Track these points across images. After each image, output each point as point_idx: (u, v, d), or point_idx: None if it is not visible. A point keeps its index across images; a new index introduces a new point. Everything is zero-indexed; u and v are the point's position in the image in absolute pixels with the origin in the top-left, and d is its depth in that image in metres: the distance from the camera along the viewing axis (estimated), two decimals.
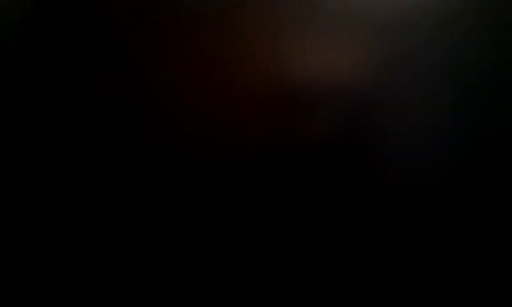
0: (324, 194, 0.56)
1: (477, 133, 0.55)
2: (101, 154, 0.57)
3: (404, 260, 0.56)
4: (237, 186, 0.56)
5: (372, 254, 0.56)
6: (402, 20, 0.55)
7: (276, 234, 0.56)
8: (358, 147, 0.55)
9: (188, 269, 0.57)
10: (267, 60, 0.55)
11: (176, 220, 0.57)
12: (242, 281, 0.57)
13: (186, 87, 0.56)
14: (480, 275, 0.56)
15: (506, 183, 0.55)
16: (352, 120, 0.55)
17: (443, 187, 0.55)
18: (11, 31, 0.58)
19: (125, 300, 0.58)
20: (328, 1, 0.55)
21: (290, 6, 0.55)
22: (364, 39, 0.55)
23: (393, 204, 0.56)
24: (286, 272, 0.57)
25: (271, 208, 0.56)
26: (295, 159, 0.56)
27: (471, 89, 0.55)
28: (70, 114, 0.57)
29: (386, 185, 0.55)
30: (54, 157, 0.58)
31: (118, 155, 0.57)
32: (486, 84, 0.55)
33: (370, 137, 0.55)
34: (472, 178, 0.55)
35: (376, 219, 0.56)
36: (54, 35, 0.57)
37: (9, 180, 0.58)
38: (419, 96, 0.55)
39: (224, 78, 0.56)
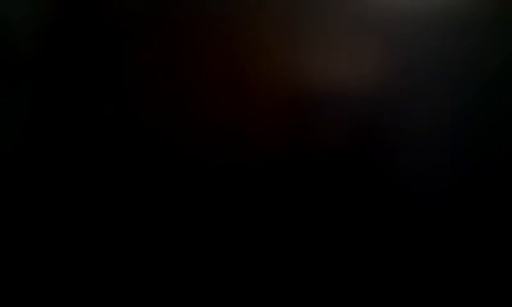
0: (334, 198, 0.56)
1: (490, 138, 0.55)
2: (109, 156, 0.57)
3: (415, 264, 0.56)
4: (247, 190, 0.56)
5: (381, 257, 0.56)
6: (411, 25, 0.56)
7: (287, 237, 0.56)
8: (370, 152, 0.56)
9: (193, 271, 0.57)
10: (278, 64, 0.56)
11: (186, 222, 0.57)
12: (247, 282, 0.57)
13: (196, 90, 0.56)
14: (485, 276, 0.56)
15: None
16: (364, 125, 0.55)
17: (453, 191, 0.55)
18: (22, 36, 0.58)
19: (125, 301, 0.57)
20: (340, 6, 0.55)
21: (303, 10, 0.56)
22: (375, 44, 0.55)
23: (403, 209, 0.56)
24: (295, 274, 0.57)
25: (282, 212, 0.56)
26: (305, 164, 0.56)
27: (482, 92, 0.55)
28: (76, 116, 0.57)
29: (398, 191, 0.55)
30: (58, 157, 0.57)
31: (122, 158, 0.57)
32: (496, 86, 0.55)
33: (381, 141, 0.55)
34: (482, 182, 0.55)
35: (387, 223, 0.56)
36: (60, 38, 0.57)
37: (13, 180, 0.58)
38: (432, 100, 0.55)
39: (234, 81, 0.56)
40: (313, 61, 0.56)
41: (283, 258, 0.57)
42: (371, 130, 0.56)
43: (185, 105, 0.57)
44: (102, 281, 0.57)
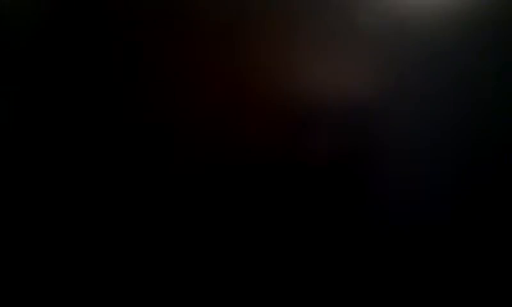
0: (323, 209, 0.56)
1: (489, 148, 0.55)
2: (102, 154, 0.57)
3: (413, 271, 0.56)
4: (237, 198, 0.56)
5: (378, 263, 0.56)
6: (407, 33, 0.55)
7: (276, 246, 0.56)
8: (363, 163, 0.55)
9: (184, 271, 0.57)
10: (272, 72, 0.55)
11: (172, 228, 0.57)
12: (239, 283, 0.57)
13: (187, 94, 0.56)
14: (483, 282, 0.56)
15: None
16: (357, 136, 0.55)
17: (452, 200, 0.55)
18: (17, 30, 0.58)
19: (125, 301, 0.58)
20: (334, 16, 0.55)
21: (297, 18, 0.55)
22: (370, 54, 0.55)
23: (397, 221, 0.55)
24: (282, 284, 0.57)
25: (272, 222, 0.56)
26: (296, 174, 0.56)
27: (482, 100, 0.54)
28: (74, 114, 0.57)
29: (392, 204, 0.55)
30: (56, 156, 0.58)
31: (115, 156, 0.57)
32: (495, 92, 0.55)
33: (376, 152, 0.55)
34: (481, 193, 0.55)
35: (382, 232, 0.56)
36: (57, 34, 0.58)
37: (13, 180, 0.58)
38: (429, 111, 0.55)
39: (227, 89, 0.56)
40: (307, 71, 0.55)
41: (274, 263, 0.57)
42: (368, 139, 0.55)
43: (179, 108, 0.56)
44: (100, 281, 0.58)
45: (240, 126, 0.56)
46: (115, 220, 0.58)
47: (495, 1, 0.55)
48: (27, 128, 0.58)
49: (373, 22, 0.55)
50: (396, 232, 0.55)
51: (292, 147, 0.55)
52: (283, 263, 0.56)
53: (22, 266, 0.59)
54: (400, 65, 0.55)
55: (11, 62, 0.58)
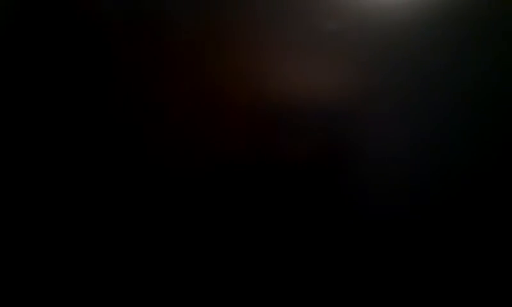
0: (303, 211, 0.56)
1: (484, 151, 0.54)
2: (96, 156, 0.58)
3: (402, 270, 0.56)
4: (219, 198, 0.56)
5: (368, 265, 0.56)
6: (393, 33, 0.54)
7: (259, 246, 0.57)
8: (345, 162, 0.55)
9: (177, 270, 0.58)
10: (253, 73, 0.55)
11: (158, 230, 0.57)
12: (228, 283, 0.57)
13: (169, 97, 0.57)
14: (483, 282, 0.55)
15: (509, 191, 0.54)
16: (338, 136, 0.55)
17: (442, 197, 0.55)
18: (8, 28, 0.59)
19: (125, 301, 0.58)
20: (315, 17, 0.55)
21: (279, 21, 0.55)
22: (352, 55, 0.54)
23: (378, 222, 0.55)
24: (270, 285, 0.57)
25: (253, 222, 0.56)
26: (276, 175, 0.56)
27: (474, 100, 0.54)
28: (69, 115, 0.58)
29: (378, 203, 0.55)
30: (52, 157, 0.58)
31: (109, 160, 0.57)
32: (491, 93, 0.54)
33: (359, 151, 0.55)
34: (476, 192, 0.54)
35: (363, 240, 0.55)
36: (53, 35, 0.58)
37: (11, 180, 0.59)
38: (415, 104, 0.54)
39: (209, 90, 0.56)
40: (288, 73, 0.55)
41: (259, 270, 0.57)
42: (348, 143, 0.55)
43: (156, 110, 0.57)
44: (99, 281, 0.59)
45: (218, 127, 0.56)
46: (103, 221, 0.58)
47: None
48: (27, 127, 0.59)
49: (349, 21, 0.54)
50: (382, 229, 0.55)
51: (270, 148, 0.55)
52: (265, 263, 0.57)
53: (18, 265, 0.60)
54: (379, 64, 0.54)
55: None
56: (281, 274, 0.56)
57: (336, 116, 0.54)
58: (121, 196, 0.57)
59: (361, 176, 0.55)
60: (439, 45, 0.54)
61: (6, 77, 0.59)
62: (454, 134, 0.54)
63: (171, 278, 0.58)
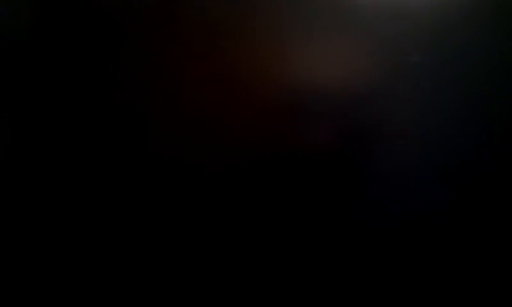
0: (320, 200, 0.56)
1: (485, 144, 0.55)
2: (100, 155, 0.57)
3: (406, 265, 0.56)
4: (235, 190, 0.56)
5: (371, 261, 0.56)
6: (406, 25, 0.55)
7: (273, 238, 0.56)
8: (360, 153, 0.55)
9: (182, 273, 0.57)
10: (269, 63, 0.56)
11: (171, 224, 0.57)
12: (227, 288, 0.57)
13: (183, 89, 0.57)
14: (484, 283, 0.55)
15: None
16: (354, 126, 0.55)
17: (448, 194, 0.55)
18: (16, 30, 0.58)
19: (125, 301, 0.58)
20: (331, 6, 0.55)
21: (294, 10, 0.56)
22: (367, 46, 0.55)
23: (391, 212, 0.55)
24: (281, 277, 0.56)
25: (270, 213, 0.56)
26: (293, 165, 0.56)
27: (478, 96, 0.55)
28: (71, 115, 0.58)
29: (387, 196, 0.55)
30: (53, 157, 0.58)
31: (115, 157, 0.57)
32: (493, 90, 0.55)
33: (371, 143, 0.55)
34: (478, 188, 0.55)
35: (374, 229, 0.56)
36: (57, 35, 0.58)
37: (12, 180, 0.58)
38: (424, 103, 0.55)
39: (224, 81, 0.56)
40: (304, 62, 0.55)
41: (272, 260, 0.56)
42: (364, 133, 0.55)
43: (174, 104, 0.57)
44: (98, 280, 0.58)
45: (234, 120, 0.56)
46: (101, 220, 0.58)
47: None
48: (27, 127, 0.59)
49: (365, 11, 0.55)
50: (391, 227, 0.55)
51: (287, 139, 0.55)
52: (276, 256, 0.56)
53: (16, 265, 0.59)
54: (395, 55, 0.55)
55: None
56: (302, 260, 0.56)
57: (357, 104, 0.55)
58: (146, 190, 0.57)
59: (385, 168, 0.55)
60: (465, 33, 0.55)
61: (13, 73, 0.58)
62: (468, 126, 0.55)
63: (185, 273, 0.57)
